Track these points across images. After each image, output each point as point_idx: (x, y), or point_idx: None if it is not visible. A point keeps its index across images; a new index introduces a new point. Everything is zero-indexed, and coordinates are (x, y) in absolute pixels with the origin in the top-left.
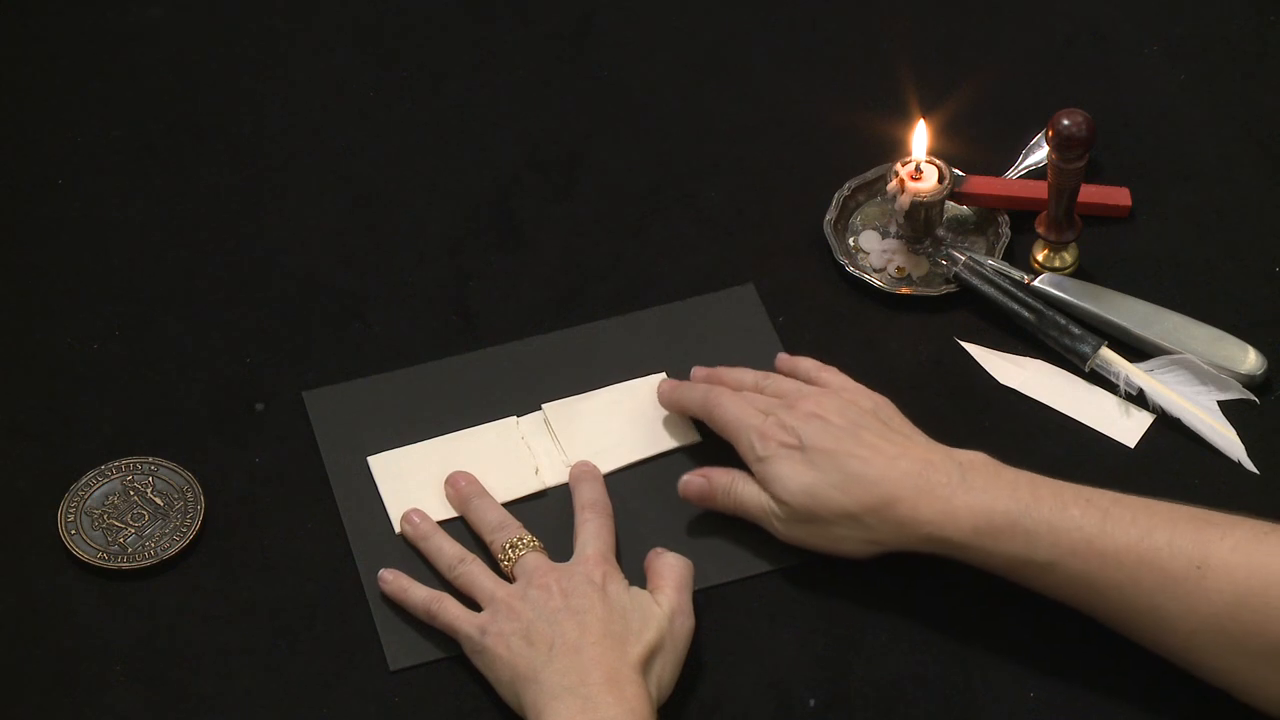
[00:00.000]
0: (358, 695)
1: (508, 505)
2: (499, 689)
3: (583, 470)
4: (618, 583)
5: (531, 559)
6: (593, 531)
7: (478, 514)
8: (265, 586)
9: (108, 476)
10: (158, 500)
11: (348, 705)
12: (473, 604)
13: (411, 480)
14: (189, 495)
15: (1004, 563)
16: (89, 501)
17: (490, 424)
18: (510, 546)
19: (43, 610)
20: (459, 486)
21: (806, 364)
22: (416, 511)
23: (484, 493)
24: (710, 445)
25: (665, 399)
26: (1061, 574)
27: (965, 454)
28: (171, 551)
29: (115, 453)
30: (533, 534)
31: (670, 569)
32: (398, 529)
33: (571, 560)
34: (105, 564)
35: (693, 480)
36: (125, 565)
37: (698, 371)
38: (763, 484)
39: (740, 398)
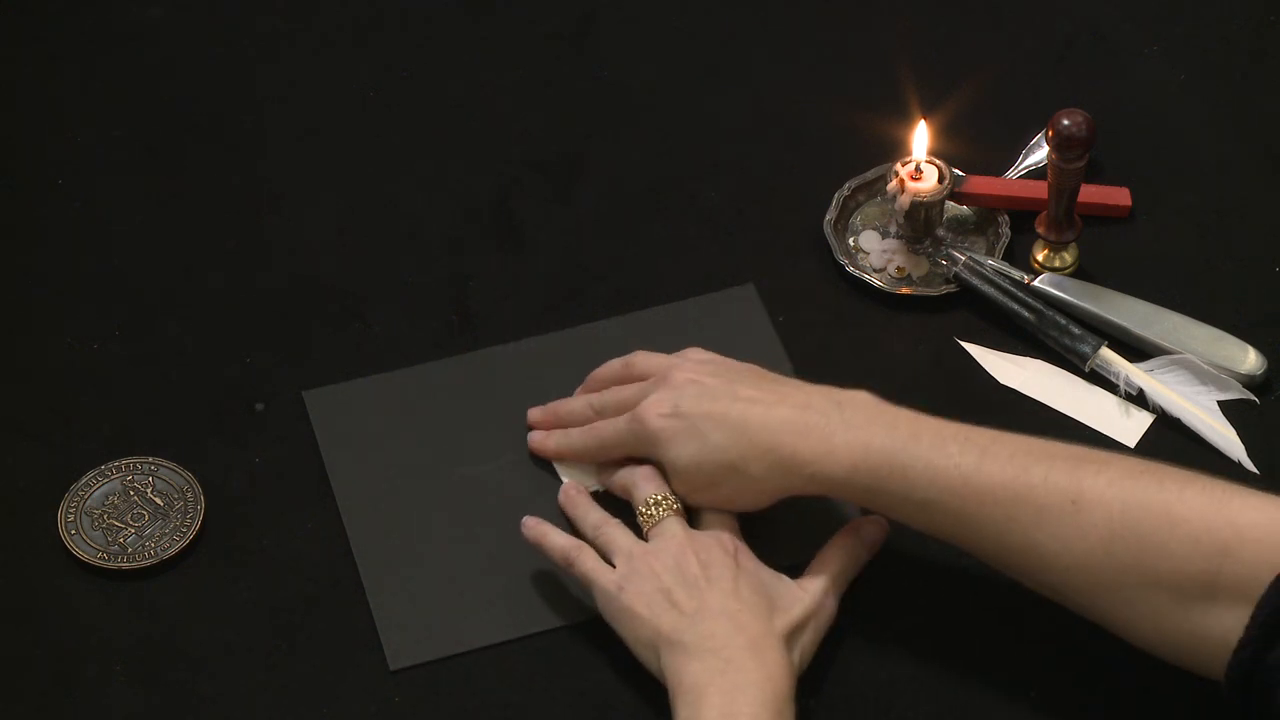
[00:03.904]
0: (358, 695)
1: None
2: (634, 647)
3: None
4: (749, 556)
5: (670, 524)
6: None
7: (624, 469)
8: (265, 586)
9: (108, 476)
10: (158, 500)
11: (348, 705)
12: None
13: None
14: (189, 495)
15: (883, 500)
16: (89, 501)
17: None
18: (654, 504)
19: (43, 610)
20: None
21: (661, 357)
22: (573, 484)
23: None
24: None
25: (554, 454)
26: (938, 512)
27: (846, 393)
28: (171, 551)
29: (115, 453)
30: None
31: (836, 555)
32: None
33: (701, 530)
34: (105, 564)
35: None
36: (125, 565)
37: (534, 414)
38: (654, 453)
39: (595, 424)
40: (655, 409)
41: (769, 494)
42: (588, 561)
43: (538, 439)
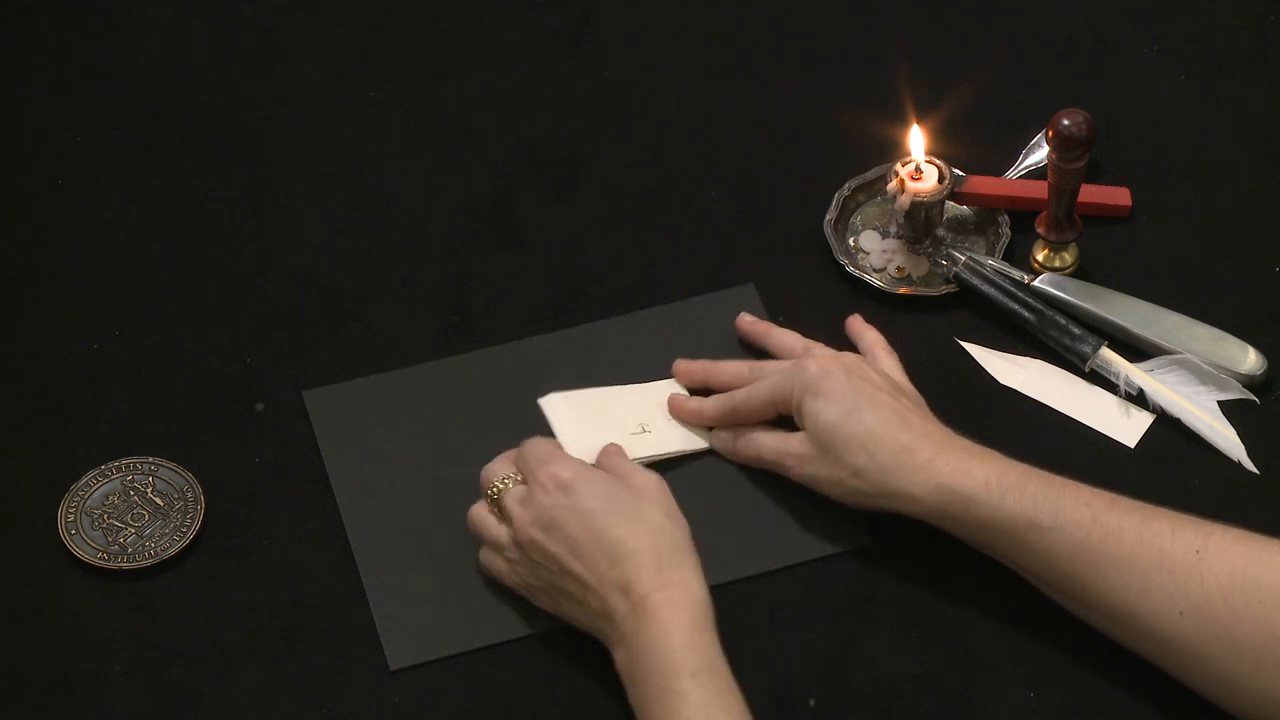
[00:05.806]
0: (358, 695)
1: (660, 462)
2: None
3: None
4: (583, 474)
5: (510, 498)
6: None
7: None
8: (265, 586)
9: (108, 476)
10: (158, 500)
11: (348, 705)
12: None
13: (580, 421)
14: (189, 495)
15: (1008, 522)
16: (89, 501)
17: (661, 382)
18: (501, 480)
19: (43, 610)
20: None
21: (882, 353)
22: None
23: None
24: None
25: (711, 419)
26: (1063, 540)
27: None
28: (171, 551)
29: (115, 453)
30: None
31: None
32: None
33: (536, 472)
34: (105, 564)
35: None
36: (125, 565)
37: (681, 365)
38: (801, 401)
39: (756, 383)
40: (821, 362)
41: (888, 496)
42: (504, 579)
43: (678, 400)
